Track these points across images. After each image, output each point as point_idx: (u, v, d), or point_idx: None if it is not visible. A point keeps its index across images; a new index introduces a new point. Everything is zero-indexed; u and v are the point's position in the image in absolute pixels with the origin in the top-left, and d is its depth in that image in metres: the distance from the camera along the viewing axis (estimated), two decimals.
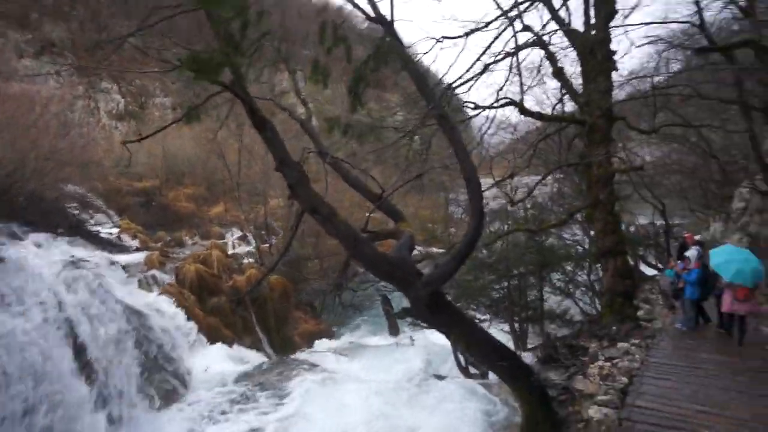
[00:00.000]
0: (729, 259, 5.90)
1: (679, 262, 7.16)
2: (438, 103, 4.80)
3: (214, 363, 9.53)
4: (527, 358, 9.03)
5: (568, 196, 11.07)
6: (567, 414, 5.51)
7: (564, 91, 8.27)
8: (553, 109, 8.44)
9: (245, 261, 13.81)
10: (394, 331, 12.88)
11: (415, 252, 12.65)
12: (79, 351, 6.55)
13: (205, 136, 15.81)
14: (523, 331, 10.13)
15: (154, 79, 20.63)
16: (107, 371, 6.92)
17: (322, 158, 6.04)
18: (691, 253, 6.96)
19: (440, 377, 9.12)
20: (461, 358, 9.41)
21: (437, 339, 9.91)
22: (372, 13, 4.64)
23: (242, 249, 15.04)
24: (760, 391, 4.59)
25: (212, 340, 10.12)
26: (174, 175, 18.44)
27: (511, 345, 9.86)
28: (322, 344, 12.62)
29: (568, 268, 10.31)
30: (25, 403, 5.40)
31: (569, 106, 8.61)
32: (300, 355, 11.53)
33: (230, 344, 10.49)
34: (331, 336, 13.24)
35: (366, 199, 6.05)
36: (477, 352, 5.69)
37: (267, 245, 14.72)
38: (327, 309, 14.18)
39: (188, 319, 9.81)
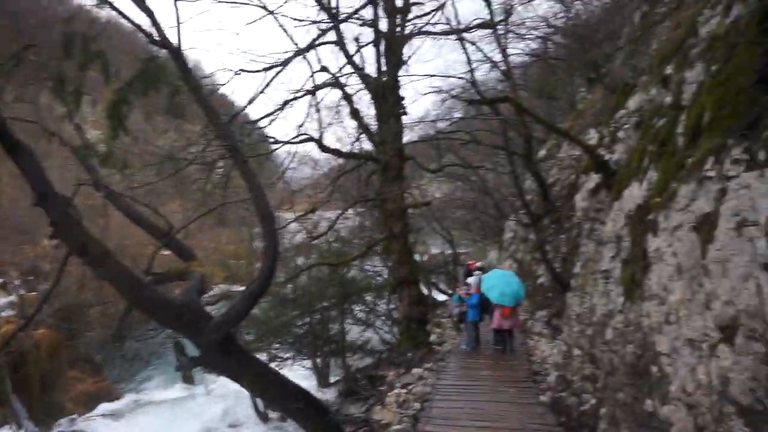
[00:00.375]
0: (495, 284, 6.88)
1: (463, 287, 7.91)
2: (229, 135, 4.60)
3: None
4: (330, 393, 9.03)
5: (368, 229, 11.60)
6: None
7: (360, 131, 8.80)
8: (352, 146, 8.89)
9: (2, 314, 11.52)
10: (188, 379, 11.86)
11: (214, 291, 11.96)
12: None
13: None
14: (325, 366, 10.15)
15: None
16: None
17: (108, 196, 5.35)
18: (473, 279, 7.74)
19: (236, 426, 8.65)
20: (259, 403, 9.03)
21: (235, 385, 9.42)
22: (156, 36, 4.28)
23: (4, 299, 12.60)
24: (526, 400, 5.20)
25: None
26: None
27: (314, 381, 9.79)
28: (104, 407, 11.05)
29: (369, 298, 10.69)
30: None
31: (367, 145, 9.18)
32: (71, 426, 9.95)
33: None
34: (113, 397, 11.65)
35: (152, 236, 5.48)
36: (271, 397, 5.46)
37: (34, 293, 12.51)
38: (111, 363, 12.46)
39: None
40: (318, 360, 10.11)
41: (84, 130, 5.89)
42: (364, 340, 10.26)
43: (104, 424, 9.82)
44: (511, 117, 8.45)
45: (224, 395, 10.33)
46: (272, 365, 8.99)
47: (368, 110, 9.40)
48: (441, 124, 10.25)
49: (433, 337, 8.59)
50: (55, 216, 4.00)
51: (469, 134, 9.49)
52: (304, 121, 7.67)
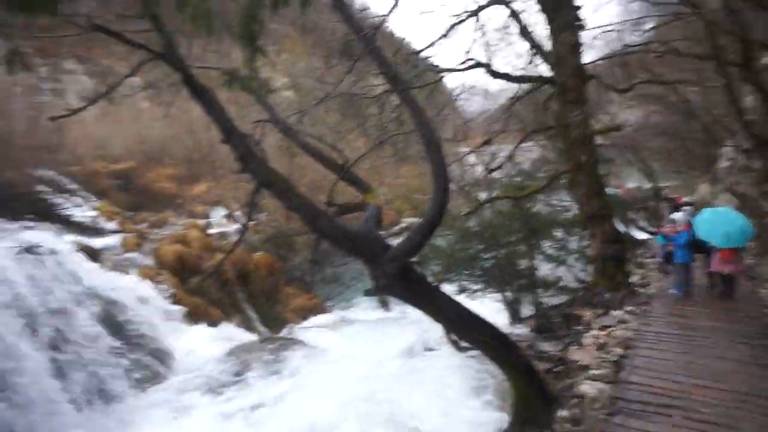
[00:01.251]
0: (714, 223, 5.66)
1: (668, 225, 6.84)
2: (381, 57, 4.35)
3: (198, 344, 9.21)
4: (521, 329, 8.74)
5: (552, 161, 10.60)
6: (561, 388, 5.21)
7: (533, 51, 7.80)
8: (525, 70, 7.95)
9: (231, 239, 13.45)
10: (384, 305, 12.59)
11: (402, 225, 12.22)
12: (38, 334, 6.22)
13: (179, 115, 15.26)
14: (516, 301, 9.78)
15: (120, 58, 19.90)
16: (71, 351, 6.60)
17: (285, 131, 5.62)
18: (679, 216, 6.61)
19: (432, 351, 8.84)
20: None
21: None
22: None
23: (229, 228, 14.67)
24: (762, 360, 4.26)
25: (196, 321, 9.81)
26: (152, 156, 17.92)
27: (505, 316, 9.54)
28: (315, 320, 12.32)
29: (558, 234, 9.89)
30: None
31: (542, 68, 8.16)
32: (291, 332, 11.21)
33: (216, 324, 10.18)
34: (324, 311, 12.95)
35: (330, 170, 5.63)
36: (455, 328, 5.35)
37: (253, 222, 14.33)
38: (318, 284, 13.88)
39: (168, 300, 9.48)
40: (508, 294, 9.78)
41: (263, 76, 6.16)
42: (556, 277, 9.61)
43: (317, 333, 10.75)
44: (721, 16, 6.67)
45: (418, 321, 10.69)
46: (462, 296, 8.99)
47: (540, 29, 8.29)
48: (629, 37, 8.54)
49: (634, 278, 7.67)
50: (240, 152, 4.26)
51: (665, 44, 7.74)
52: (471, 46, 7.05)
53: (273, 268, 12.61)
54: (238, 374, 8.30)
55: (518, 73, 8.17)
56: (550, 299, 9.53)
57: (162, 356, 8.41)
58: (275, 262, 12.74)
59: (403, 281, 4.47)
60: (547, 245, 9.90)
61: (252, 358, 8.84)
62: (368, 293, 4.80)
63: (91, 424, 6.13)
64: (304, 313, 12.59)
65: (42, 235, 8.74)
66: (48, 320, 6.53)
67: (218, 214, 15.44)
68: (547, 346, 7.04)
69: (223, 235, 13.46)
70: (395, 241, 7.42)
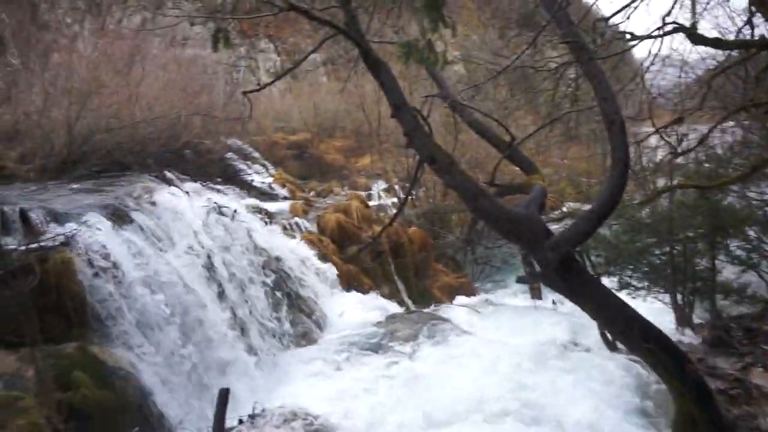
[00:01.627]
0: None
1: None
2: (571, 30, 4.03)
3: (349, 309, 9.77)
4: (690, 337, 7.82)
5: (754, 146, 9.05)
6: (738, 415, 4.58)
7: (753, 8, 6.51)
8: (738, 34, 6.70)
9: (388, 212, 13.92)
10: (536, 293, 12.10)
11: (563, 208, 11.55)
12: (219, 289, 7.10)
13: (353, 90, 16.01)
14: (687, 305, 8.73)
15: (306, 36, 21.46)
16: (246, 308, 7.45)
17: (453, 106, 5.60)
18: None
19: (583, 348, 8.30)
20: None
21: None
22: None
23: (387, 200, 15.19)
24: None
25: (349, 287, 10.42)
26: (325, 128, 19.19)
27: (670, 318, 8.60)
28: (460, 300, 12.33)
29: (752, 233, 8.53)
30: (175, 338, 5.93)
31: (762, 29, 6.81)
32: (437, 309, 11.37)
33: (367, 292, 10.70)
34: (471, 292, 12.89)
35: (495, 148, 5.49)
36: (616, 330, 4.94)
37: (411, 197, 14.67)
38: (467, 264, 13.82)
39: (326, 265, 10.18)
40: (678, 296, 8.77)
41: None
42: (742, 283, 8.35)
43: (463, 313, 10.76)
44: None
45: (571, 314, 10.12)
46: (623, 293, 8.28)
47: None
48: None
49: None
50: (407, 127, 4.34)
51: None
52: (672, 7, 6.08)
53: (425, 243, 12.82)
54: (386, 341, 8.68)
55: (729, 37, 6.97)
56: (731, 308, 8.37)
57: (317, 317, 9.11)
58: (428, 238, 12.93)
59: (562, 272, 4.23)
60: (734, 245, 8.64)
61: (399, 329, 9.15)
62: (521, 280, 4.65)
63: (258, 370, 6.87)
64: (451, 292, 12.58)
65: (227, 198, 9.92)
66: (226, 275, 7.41)
67: (379, 187, 16.07)
68: (723, 363, 6.25)
69: (381, 208, 14.01)
70: (555, 227, 7.05)
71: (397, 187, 15.53)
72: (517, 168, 5.77)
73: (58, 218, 5.90)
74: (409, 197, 13.27)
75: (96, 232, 5.77)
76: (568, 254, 4.19)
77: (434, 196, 14.21)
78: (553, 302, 10.77)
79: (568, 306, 10.34)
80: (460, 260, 14.09)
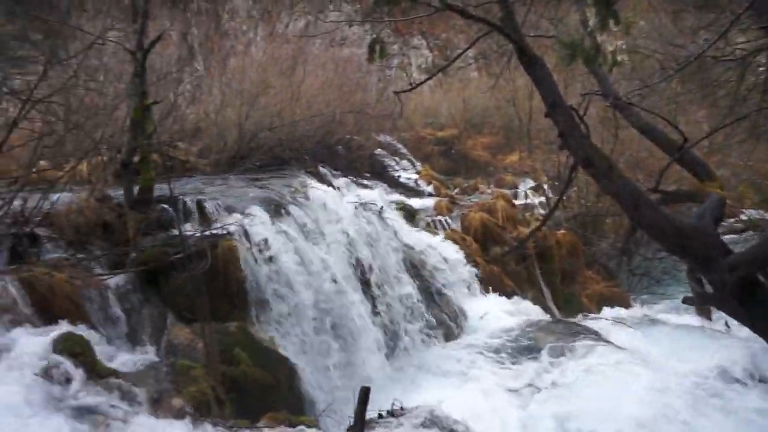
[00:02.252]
0: None
1: None
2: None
3: (491, 312, 9.55)
4: None
5: None
6: None
7: None
8: None
9: (534, 212, 13.37)
10: (704, 312, 10.70)
11: (742, 217, 10.07)
12: (364, 281, 7.38)
13: (504, 85, 15.61)
14: None
15: (459, 32, 21.31)
16: (388, 303, 7.65)
17: (615, 104, 5.14)
18: None
19: (760, 381, 7.14)
20: None
21: None
22: None
23: (534, 200, 14.59)
24: None
25: (491, 289, 10.18)
26: (473, 125, 18.97)
27: None
28: (611, 312, 11.39)
29: None
30: (322, 328, 6.30)
31: None
32: (585, 319, 10.64)
33: (509, 295, 10.37)
34: (625, 304, 11.84)
35: (662, 150, 4.91)
36: None
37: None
38: (621, 273, 12.71)
39: (469, 264, 10.05)
40: None
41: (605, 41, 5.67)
42: None
43: (614, 327, 9.94)
44: None
45: (749, 339, 8.78)
46: None
47: None
48: None
49: None
50: (562, 126, 4.05)
51: None
52: None
53: (575, 248, 12.05)
54: (526, 348, 8.31)
55: None
56: None
57: (456, 316, 9.03)
58: (578, 243, 12.13)
59: (742, 296, 3.65)
60: None
61: (543, 337, 8.70)
62: (688, 301, 4.09)
63: (395, 367, 7.03)
64: (601, 301, 11.65)
65: (374, 193, 10.25)
66: (371, 270, 7.66)
67: (526, 185, 15.49)
68: None
69: (527, 207, 13.49)
70: (729, 238, 6.14)
71: (545, 186, 14.79)
72: (687, 172, 5.12)
73: (227, 209, 6.60)
74: (561, 200, 12.62)
75: (257, 224, 6.34)
76: (750, 277, 3.61)
77: (587, 197, 13.28)
78: (726, 324, 9.43)
79: (747, 331, 9.00)
80: (612, 268, 13.02)
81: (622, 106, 4.87)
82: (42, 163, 6.72)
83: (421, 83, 4.99)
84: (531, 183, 15.89)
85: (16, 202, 5.18)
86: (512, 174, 16.68)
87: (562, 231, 12.08)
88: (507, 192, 14.11)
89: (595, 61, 3.49)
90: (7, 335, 3.77)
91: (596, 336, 9.00)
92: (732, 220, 11.85)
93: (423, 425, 4.11)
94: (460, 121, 18.53)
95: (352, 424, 3.74)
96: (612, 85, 5.05)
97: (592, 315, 10.98)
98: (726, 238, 4.34)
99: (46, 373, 3.45)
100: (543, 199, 14.43)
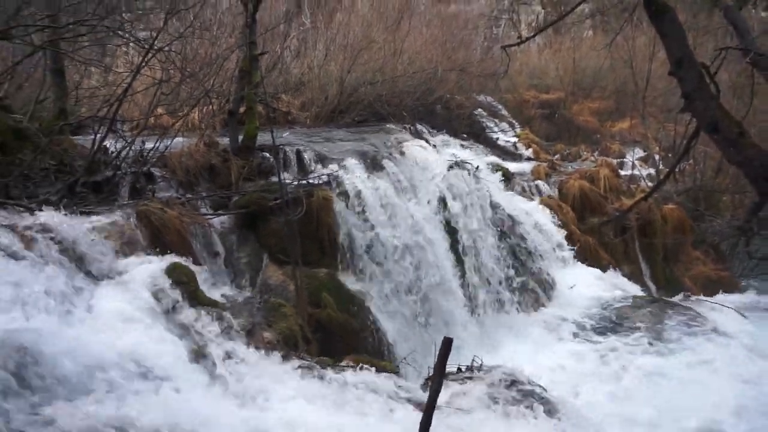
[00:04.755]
0: None
1: None
2: None
3: (582, 283, 9.19)
4: None
5: None
6: None
7: None
8: None
9: (641, 184, 12.51)
10: None
11: None
12: (453, 240, 7.34)
13: (621, 44, 14.46)
14: None
15: None
16: (477, 263, 7.58)
17: (753, 61, 4.55)
18: None
19: None
20: None
21: None
22: None
23: (642, 171, 13.62)
24: None
25: (584, 260, 9.75)
26: (582, 88, 17.87)
27: None
28: (720, 296, 10.53)
29: None
30: (408, 280, 6.39)
31: None
32: (686, 300, 9.92)
33: (604, 268, 9.89)
34: (733, 289, 10.89)
35: None
36: None
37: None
38: (735, 256, 11.66)
39: (563, 233, 9.68)
40: None
41: None
42: None
43: (720, 313, 9.17)
44: None
45: None
46: None
47: None
48: None
49: None
50: (688, 86, 3.66)
51: None
52: None
53: (682, 225, 11.18)
54: (617, 324, 7.94)
55: None
56: None
57: (545, 284, 8.76)
58: (686, 220, 11.23)
59: None
60: None
61: (638, 315, 8.23)
62: None
63: (478, 327, 7.01)
64: (707, 284, 10.79)
65: (470, 154, 10.05)
66: (462, 230, 7.59)
67: (634, 155, 14.44)
68: None
69: (633, 179, 12.64)
70: None
71: (657, 156, 13.70)
72: None
73: (324, 160, 6.79)
74: (674, 171, 11.64)
75: (352, 176, 6.46)
76: None
77: (703, 171, 12.16)
78: None
79: None
80: (724, 250, 11.92)
81: (765, 65, 4.24)
82: (159, 110, 7.26)
83: (532, 36, 4.75)
84: (640, 153, 14.78)
85: (137, 144, 5.62)
86: (620, 142, 15.60)
87: (670, 205, 11.21)
88: (612, 161, 13.26)
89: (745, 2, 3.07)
90: (126, 260, 4.19)
91: (699, 319, 8.36)
92: None
93: (500, 384, 4.09)
94: (568, 84, 17.46)
95: (431, 374, 3.79)
96: (754, 38, 4.42)
97: (696, 297, 10.21)
98: None
99: (156, 296, 3.81)
100: (652, 170, 13.42)
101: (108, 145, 5.53)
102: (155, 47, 5.62)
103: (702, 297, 10.18)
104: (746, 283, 11.34)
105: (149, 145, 5.76)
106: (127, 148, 5.45)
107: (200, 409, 3.02)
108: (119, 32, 6.36)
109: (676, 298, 9.84)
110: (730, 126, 3.60)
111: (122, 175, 5.31)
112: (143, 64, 5.71)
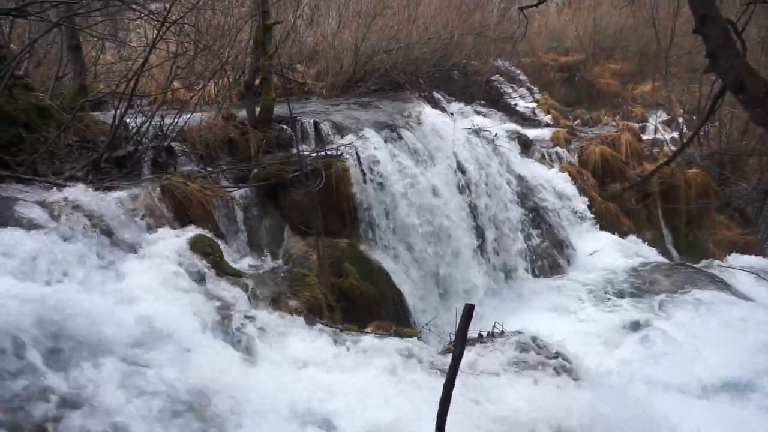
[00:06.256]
0: None
1: None
2: None
3: (602, 249, 9.14)
4: None
5: None
6: None
7: None
8: None
9: (664, 148, 12.26)
10: None
11: None
12: (472, 208, 7.34)
13: (644, 2, 14.01)
14: None
15: None
16: (496, 230, 7.60)
17: None
18: None
19: None
20: None
21: None
22: None
23: (665, 135, 13.32)
24: None
25: (605, 227, 9.67)
26: (603, 49, 17.39)
27: None
28: (740, 259, 10.40)
29: None
30: (428, 250, 6.43)
31: None
32: (711, 266, 9.81)
33: (624, 235, 9.80)
34: (758, 253, 10.73)
35: None
36: None
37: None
38: (762, 219, 11.46)
39: (583, 199, 9.59)
40: None
41: None
42: None
43: (746, 278, 9.05)
44: None
45: None
46: None
47: None
48: None
49: None
50: (713, 44, 3.52)
51: None
52: None
53: (707, 189, 10.98)
54: (638, 290, 7.90)
55: None
56: None
57: (566, 251, 8.75)
58: (711, 184, 11.03)
59: None
60: None
61: (659, 281, 8.18)
62: None
63: (498, 294, 7.05)
64: (731, 249, 10.63)
65: (488, 121, 9.92)
66: (481, 197, 7.57)
67: (657, 118, 14.11)
68: None
69: (656, 143, 12.37)
70: None
71: (680, 119, 13.36)
72: None
73: (341, 131, 6.77)
74: (698, 134, 11.35)
75: (370, 146, 6.46)
76: None
77: (729, 133, 11.86)
78: None
79: None
80: (750, 213, 11.70)
81: None
82: (175, 83, 7.27)
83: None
84: (664, 116, 14.45)
85: (156, 119, 5.66)
86: (642, 106, 15.25)
87: (694, 170, 11.00)
88: (634, 125, 12.98)
89: None
90: (151, 233, 4.28)
91: (723, 285, 8.27)
92: None
93: (521, 349, 4.13)
94: (588, 46, 16.98)
95: (452, 340, 3.85)
96: None
97: (719, 263, 10.08)
98: None
99: (182, 266, 3.90)
100: (676, 134, 13.12)
101: (128, 121, 5.58)
102: (169, 20, 5.59)
103: (725, 262, 10.09)
104: None
105: (168, 119, 5.80)
106: (147, 123, 5.50)
107: (229, 375, 3.13)
108: (132, 6, 6.33)
109: (700, 264, 9.76)
110: (756, 85, 3.47)
111: (144, 150, 5.38)
112: (158, 37, 5.70)
